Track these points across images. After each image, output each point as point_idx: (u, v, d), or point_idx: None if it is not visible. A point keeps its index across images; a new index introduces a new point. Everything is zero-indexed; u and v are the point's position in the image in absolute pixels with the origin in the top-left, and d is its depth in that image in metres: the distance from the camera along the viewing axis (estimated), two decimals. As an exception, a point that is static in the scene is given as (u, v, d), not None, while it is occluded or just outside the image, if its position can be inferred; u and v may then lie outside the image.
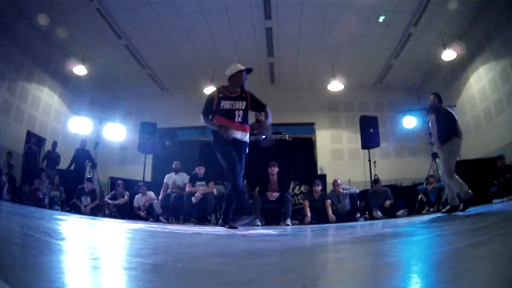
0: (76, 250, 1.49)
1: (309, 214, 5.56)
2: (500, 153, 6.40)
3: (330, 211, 5.59)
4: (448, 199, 4.22)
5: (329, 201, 5.71)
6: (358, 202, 6.19)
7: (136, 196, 6.46)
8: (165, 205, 5.98)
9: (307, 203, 5.68)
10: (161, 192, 6.17)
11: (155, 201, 6.22)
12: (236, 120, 3.43)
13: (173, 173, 6.27)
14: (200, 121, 3.49)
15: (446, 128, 4.16)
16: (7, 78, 7.57)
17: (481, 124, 8.04)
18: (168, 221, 5.76)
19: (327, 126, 10.93)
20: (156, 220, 5.92)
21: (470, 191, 3.90)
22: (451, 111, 4.42)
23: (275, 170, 5.60)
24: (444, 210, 4.25)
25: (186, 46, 8.76)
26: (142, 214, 6.20)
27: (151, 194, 6.42)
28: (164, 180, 6.28)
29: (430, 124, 4.48)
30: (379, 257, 1.44)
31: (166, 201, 5.95)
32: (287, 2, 7.30)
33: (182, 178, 6.20)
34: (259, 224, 5.15)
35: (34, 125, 8.53)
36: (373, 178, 7.14)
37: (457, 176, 4.02)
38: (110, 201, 6.61)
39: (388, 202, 6.02)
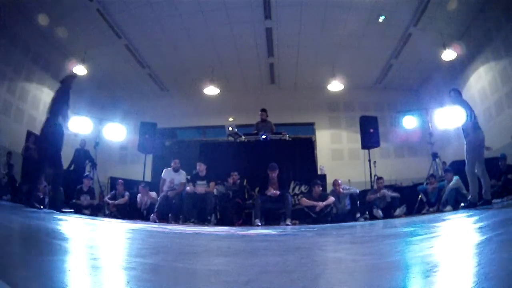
0: (76, 250, 1.49)
1: (314, 202, 5.57)
2: (502, 153, 6.40)
3: (322, 203, 5.58)
4: (483, 193, 4.38)
5: (332, 198, 5.73)
6: (358, 202, 6.20)
7: (138, 196, 6.47)
8: (163, 206, 5.94)
9: (305, 199, 5.70)
10: (160, 189, 6.17)
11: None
12: None
13: (172, 171, 6.24)
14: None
15: None
16: (7, 78, 7.57)
17: (481, 124, 8.02)
18: (168, 221, 5.75)
19: (327, 126, 10.92)
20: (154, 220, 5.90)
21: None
22: None
23: (275, 174, 5.59)
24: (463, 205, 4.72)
25: (186, 46, 8.75)
26: (155, 218, 5.76)
27: (153, 194, 6.44)
28: (162, 175, 6.27)
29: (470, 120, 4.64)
30: (379, 257, 1.44)
31: (163, 203, 5.92)
32: (287, 2, 7.29)
33: (181, 176, 6.18)
34: (259, 224, 5.15)
35: (34, 125, 8.52)
36: (374, 179, 7.14)
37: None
38: (110, 201, 6.61)
39: (391, 194, 6.08)
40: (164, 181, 6.19)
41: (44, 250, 1.35)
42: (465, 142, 4.60)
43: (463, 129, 4.72)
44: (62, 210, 4.66)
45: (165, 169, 6.32)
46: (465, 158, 4.53)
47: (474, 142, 4.47)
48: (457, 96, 4.92)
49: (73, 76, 5.16)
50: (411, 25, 7.88)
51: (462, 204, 4.92)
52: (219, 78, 9.68)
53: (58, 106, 4.46)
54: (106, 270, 1.03)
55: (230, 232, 3.20)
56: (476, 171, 4.40)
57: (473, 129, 4.54)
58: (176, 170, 6.22)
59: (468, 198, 4.60)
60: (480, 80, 8.02)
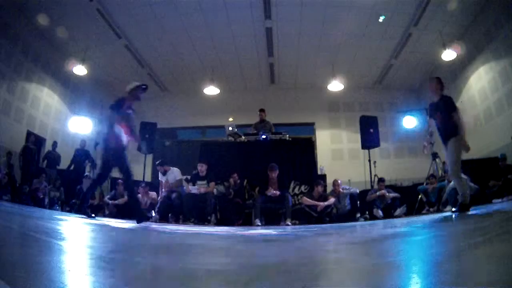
0: (76, 250, 1.49)
1: (316, 202, 5.58)
2: (502, 153, 6.39)
3: (323, 203, 5.59)
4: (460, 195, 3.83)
5: (333, 199, 5.72)
6: (358, 202, 6.20)
7: (138, 196, 6.47)
8: (164, 206, 5.94)
9: (306, 198, 5.72)
10: (160, 191, 6.19)
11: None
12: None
13: (161, 175, 6.27)
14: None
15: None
16: (7, 78, 7.57)
17: (481, 124, 8.03)
18: (168, 221, 5.75)
19: (327, 126, 10.92)
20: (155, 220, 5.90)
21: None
22: None
23: (275, 174, 5.59)
24: (454, 210, 3.98)
25: (186, 46, 8.76)
26: (157, 218, 5.85)
27: (153, 194, 6.44)
28: (159, 178, 6.34)
29: (456, 118, 3.86)
30: (379, 257, 1.44)
31: (164, 203, 5.92)
32: (287, 2, 7.29)
33: (173, 175, 6.18)
34: (259, 224, 5.15)
35: (34, 125, 8.52)
36: (374, 179, 7.13)
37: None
38: (110, 201, 6.61)
39: (391, 195, 6.08)
40: (161, 183, 6.23)
41: (44, 250, 1.35)
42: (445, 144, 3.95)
43: (438, 128, 4.03)
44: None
45: (160, 173, 6.36)
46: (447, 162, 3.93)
47: (455, 142, 3.83)
48: (438, 87, 4.10)
49: (139, 87, 4.32)
50: (411, 25, 7.88)
51: (453, 209, 4.14)
52: (219, 78, 9.68)
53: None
54: (106, 270, 1.03)
55: (230, 232, 3.21)
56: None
57: (451, 129, 3.87)
58: (164, 174, 6.21)
59: (460, 202, 3.81)
60: (480, 80, 8.02)
